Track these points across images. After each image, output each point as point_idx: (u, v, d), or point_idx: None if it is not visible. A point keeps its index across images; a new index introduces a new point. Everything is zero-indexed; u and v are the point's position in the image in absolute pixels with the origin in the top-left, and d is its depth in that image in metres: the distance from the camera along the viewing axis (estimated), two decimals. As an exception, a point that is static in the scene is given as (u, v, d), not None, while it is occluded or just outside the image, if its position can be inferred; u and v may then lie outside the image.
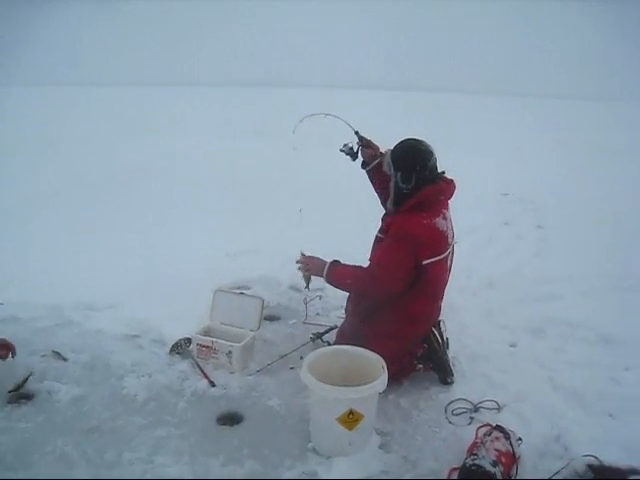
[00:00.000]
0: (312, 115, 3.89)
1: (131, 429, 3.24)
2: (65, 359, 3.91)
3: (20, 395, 3.53)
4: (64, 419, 3.33)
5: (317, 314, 4.61)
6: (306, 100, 15.09)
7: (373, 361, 3.14)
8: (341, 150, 3.88)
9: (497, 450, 2.86)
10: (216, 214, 7.05)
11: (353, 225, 5.63)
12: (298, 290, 5.03)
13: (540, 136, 11.61)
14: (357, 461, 3.00)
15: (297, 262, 3.74)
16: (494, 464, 2.77)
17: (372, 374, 3.06)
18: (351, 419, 2.94)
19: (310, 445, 3.12)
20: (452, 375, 3.70)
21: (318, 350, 3.33)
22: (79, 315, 4.48)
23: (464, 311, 4.54)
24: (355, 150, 3.87)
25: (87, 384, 3.66)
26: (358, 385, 2.95)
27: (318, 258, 3.69)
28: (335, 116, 3.95)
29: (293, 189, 7.75)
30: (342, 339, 3.68)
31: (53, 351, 3.96)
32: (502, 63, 20.85)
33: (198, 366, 3.76)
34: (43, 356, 3.93)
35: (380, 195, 3.84)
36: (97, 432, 3.22)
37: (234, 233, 6.37)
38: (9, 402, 3.46)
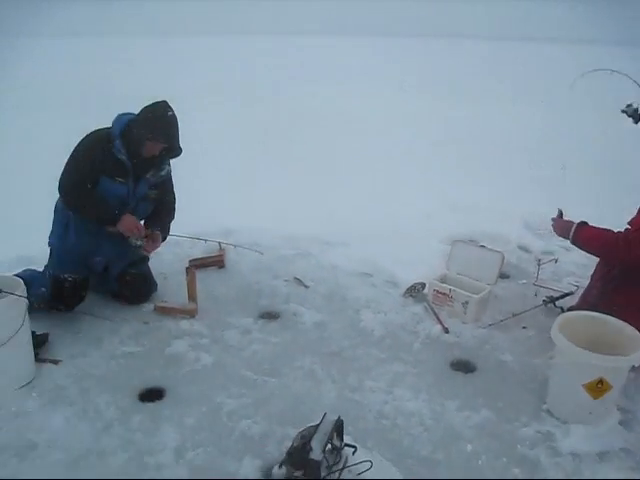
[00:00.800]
0: (595, 70, 3.70)
1: (370, 360, 3.42)
2: (306, 286, 4.19)
3: (268, 313, 3.88)
4: (308, 340, 3.60)
5: (548, 277, 4.47)
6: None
7: (628, 333, 2.98)
8: (623, 111, 3.64)
9: None
10: (436, 168, 7.04)
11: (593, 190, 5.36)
12: (527, 250, 4.95)
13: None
14: (596, 432, 2.89)
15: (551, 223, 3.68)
16: None
17: (623, 346, 2.91)
18: (599, 388, 2.83)
19: (545, 406, 3.08)
20: (703, 365, 3.41)
21: (569, 313, 3.23)
22: (316, 248, 4.77)
23: None
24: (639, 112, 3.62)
25: (326, 312, 3.91)
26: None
27: (564, 220, 3.60)
28: (621, 73, 3.71)
29: (515, 146, 7.53)
30: (586, 304, 3.53)
31: (295, 278, 4.27)
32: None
33: (433, 311, 3.84)
34: (286, 281, 4.25)
35: None
36: (339, 357, 3.44)
37: (457, 187, 6.35)
38: (261, 317, 3.81)
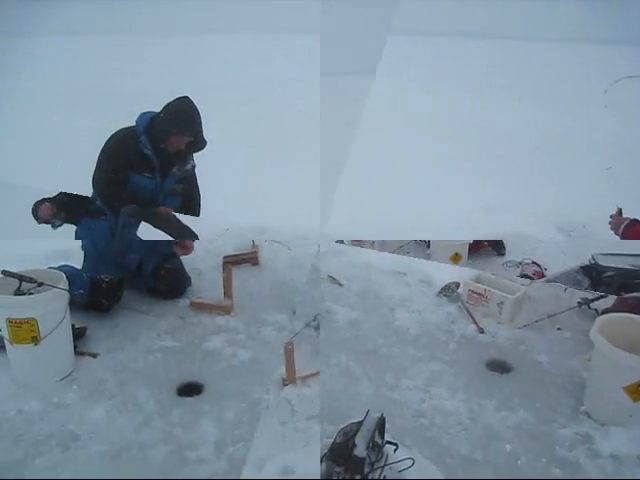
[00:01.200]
0: (631, 77, 3.68)
1: (406, 359, 3.42)
2: (340, 284, 4.20)
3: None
4: (343, 338, 3.61)
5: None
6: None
7: (669, 335, 2.96)
8: None
9: None
10: (456, 167, 7.00)
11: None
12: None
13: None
14: (636, 435, 2.86)
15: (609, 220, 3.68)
16: None
17: (664, 349, 2.89)
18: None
19: (583, 408, 3.05)
20: None
21: (608, 315, 3.20)
22: (347, 246, 4.77)
23: None
24: None
25: (361, 310, 3.92)
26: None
27: (622, 217, 3.59)
28: None
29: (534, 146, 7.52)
30: (623, 307, 3.51)
31: (329, 276, 4.28)
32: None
33: (467, 311, 3.83)
34: (320, 278, 4.26)
35: None
36: (375, 355, 3.45)
37: (483, 187, 6.31)
38: (294, 313, 3.83)
